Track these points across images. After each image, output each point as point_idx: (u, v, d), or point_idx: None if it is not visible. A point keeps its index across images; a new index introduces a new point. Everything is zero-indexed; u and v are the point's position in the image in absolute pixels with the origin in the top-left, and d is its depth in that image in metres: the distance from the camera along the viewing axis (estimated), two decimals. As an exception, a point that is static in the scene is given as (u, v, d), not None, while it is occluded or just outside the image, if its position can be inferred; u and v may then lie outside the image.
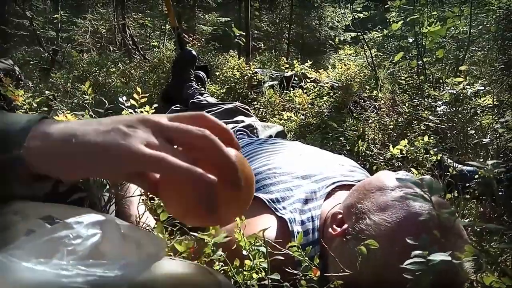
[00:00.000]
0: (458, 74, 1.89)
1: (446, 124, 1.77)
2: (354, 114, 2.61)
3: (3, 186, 0.52)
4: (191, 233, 0.86)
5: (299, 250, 0.78)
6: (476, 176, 1.34)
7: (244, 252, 0.78)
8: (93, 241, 0.42)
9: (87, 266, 0.40)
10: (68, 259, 0.39)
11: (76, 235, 0.41)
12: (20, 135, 0.49)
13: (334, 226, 0.89)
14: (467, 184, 1.35)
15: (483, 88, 1.93)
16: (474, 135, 1.64)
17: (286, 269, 0.78)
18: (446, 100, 1.78)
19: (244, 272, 0.78)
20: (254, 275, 0.77)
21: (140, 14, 6.65)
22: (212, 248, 0.79)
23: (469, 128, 1.67)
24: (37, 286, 0.38)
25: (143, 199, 0.96)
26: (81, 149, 0.48)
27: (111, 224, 0.45)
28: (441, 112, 1.76)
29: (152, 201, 1.05)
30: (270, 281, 0.77)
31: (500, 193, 1.14)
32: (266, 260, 0.79)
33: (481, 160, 1.45)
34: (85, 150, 0.48)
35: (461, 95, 1.70)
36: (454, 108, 1.71)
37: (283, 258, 0.80)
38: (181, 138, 0.52)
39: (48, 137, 0.49)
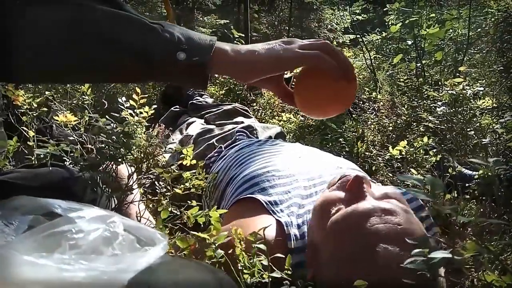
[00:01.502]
0: (457, 74, 1.89)
1: (445, 125, 1.77)
2: (353, 116, 2.61)
3: (182, 82, 0.75)
4: (191, 232, 0.86)
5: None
6: (476, 176, 1.34)
7: (238, 251, 0.78)
8: (95, 235, 0.42)
9: (89, 261, 0.40)
10: (70, 253, 0.39)
11: (78, 229, 0.41)
12: (209, 46, 0.71)
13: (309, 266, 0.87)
14: (466, 185, 1.35)
15: (482, 88, 1.93)
16: (474, 135, 1.64)
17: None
18: (446, 101, 1.79)
19: (245, 271, 0.78)
20: (256, 273, 0.78)
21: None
22: (213, 248, 0.79)
23: (468, 129, 1.68)
24: (38, 280, 0.38)
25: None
26: (261, 57, 0.74)
27: (113, 219, 0.45)
28: (441, 113, 1.77)
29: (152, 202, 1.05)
30: (270, 279, 0.77)
31: (500, 194, 1.14)
32: (265, 258, 0.79)
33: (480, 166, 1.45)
34: (265, 59, 0.74)
35: (461, 95, 1.71)
36: (453, 109, 1.71)
37: (282, 256, 0.80)
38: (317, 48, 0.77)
39: (233, 50, 0.74)
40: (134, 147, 0.99)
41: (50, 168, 0.93)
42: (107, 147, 0.93)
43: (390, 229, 0.75)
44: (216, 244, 0.79)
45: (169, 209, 0.92)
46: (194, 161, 1.15)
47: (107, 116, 1.10)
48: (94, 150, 1.11)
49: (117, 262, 0.42)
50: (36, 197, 0.55)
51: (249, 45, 0.78)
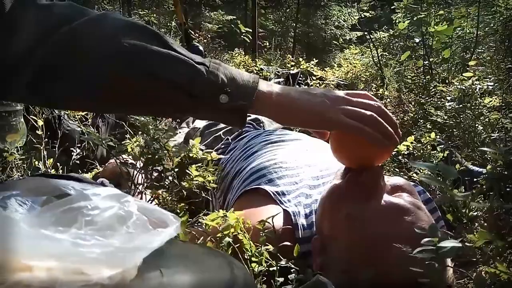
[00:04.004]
0: (467, 69, 1.88)
1: (453, 120, 1.77)
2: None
3: (222, 121, 0.82)
4: (200, 220, 0.86)
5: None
6: (484, 172, 1.34)
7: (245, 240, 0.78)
8: (110, 213, 0.42)
9: (105, 237, 0.40)
10: (86, 229, 0.40)
11: (94, 206, 0.41)
12: (252, 89, 0.72)
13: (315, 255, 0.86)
14: (474, 180, 1.34)
15: (492, 84, 1.92)
16: (483, 131, 1.64)
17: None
18: (454, 96, 1.78)
19: (253, 259, 0.78)
20: (263, 262, 0.78)
21: (147, 11, 6.67)
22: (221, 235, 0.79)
23: (477, 124, 1.67)
24: (55, 253, 0.38)
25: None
26: (304, 110, 0.75)
27: (127, 199, 0.46)
28: (449, 108, 1.76)
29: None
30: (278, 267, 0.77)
31: (508, 189, 1.14)
32: (273, 247, 0.80)
33: (490, 157, 1.45)
34: (307, 113, 0.75)
35: (470, 90, 1.70)
36: (462, 104, 1.70)
37: (289, 244, 0.81)
38: (363, 107, 0.76)
39: (276, 94, 0.74)
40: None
41: None
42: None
43: (405, 227, 0.75)
44: (225, 233, 0.79)
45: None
46: (200, 153, 1.15)
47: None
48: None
49: (132, 239, 0.42)
50: (49, 178, 0.55)
51: (294, 89, 0.79)
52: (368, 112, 0.76)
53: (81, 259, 0.39)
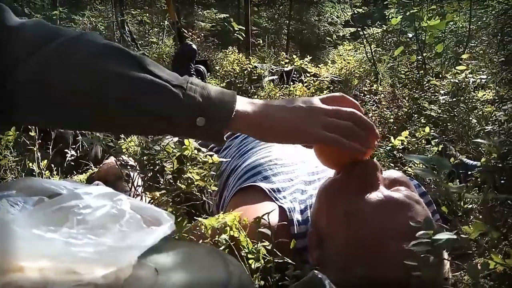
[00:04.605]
0: (460, 63, 1.89)
1: (447, 114, 1.77)
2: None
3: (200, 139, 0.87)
4: (195, 217, 0.86)
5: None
6: (479, 164, 1.35)
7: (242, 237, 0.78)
8: (102, 212, 0.42)
9: (97, 236, 0.40)
10: (78, 228, 0.39)
11: (86, 205, 0.41)
12: (229, 111, 0.71)
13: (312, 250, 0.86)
14: (469, 173, 1.35)
15: (485, 77, 1.93)
16: (476, 124, 1.64)
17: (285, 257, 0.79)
18: (448, 90, 1.78)
19: (249, 255, 0.78)
20: (261, 259, 0.78)
21: (139, 11, 6.64)
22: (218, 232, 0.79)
23: (471, 118, 1.67)
24: (46, 253, 0.38)
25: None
26: (283, 126, 0.75)
27: (120, 197, 0.45)
28: (443, 102, 1.76)
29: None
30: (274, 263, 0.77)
31: (502, 181, 1.15)
32: (269, 244, 0.79)
33: (484, 149, 1.46)
34: (287, 129, 0.75)
35: (463, 84, 1.70)
36: (455, 98, 1.71)
37: (285, 240, 0.81)
38: (338, 116, 0.77)
39: (255, 112, 0.74)
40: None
41: None
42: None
43: (403, 222, 0.75)
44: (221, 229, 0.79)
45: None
46: (195, 152, 1.14)
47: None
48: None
49: (125, 238, 0.42)
50: (41, 179, 0.55)
51: (272, 105, 0.78)
52: (344, 122, 0.77)
53: (73, 259, 0.38)
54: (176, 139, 1.74)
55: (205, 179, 1.04)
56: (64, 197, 0.42)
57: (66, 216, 0.40)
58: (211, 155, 1.09)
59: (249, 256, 0.78)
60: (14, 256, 0.37)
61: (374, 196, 0.79)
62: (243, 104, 0.75)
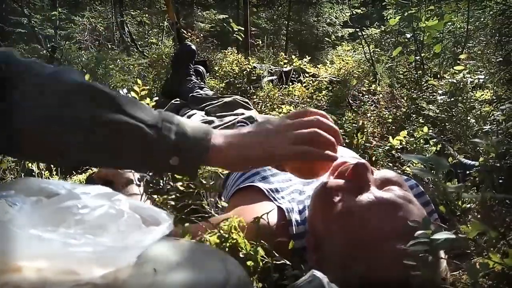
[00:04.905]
0: (458, 63, 1.89)
1: (445, 114, 1.77)
2: (353, 108, 2.62)
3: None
4: (191, 218, 0.86)
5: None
6: (477, 164, 1.35)
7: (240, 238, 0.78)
8: (100, 212, 0.42)
9: (95, 236, 0.40)
10: (76, 228, 0.39)
11: (84, 205, 0.41)
12: (203, 149, 0.72)
13: (310, 251, 0.87)
14: (467, 172, 1.35)
15: (483, 77, 1.93)
16: (475, 124, 1.64)
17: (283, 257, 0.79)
18: (446, 90, 1.78)
19: (248, 256, 0.78)
20: (259, 260, 0.78)
21: (138, 11, 6.64)
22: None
23: (468, 117, 1.68)
24: (44, 253, 0.38)
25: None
26: (254, 153, 0.75)
27: (118, 197, 0.45)
28: (441, 102, 1.76)
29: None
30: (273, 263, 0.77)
31: (500, 181, 1.15)
32: (268, 244, 0.79)
33: (482, 149, 1.46)
34: (257, 156, 0.75)
35: (461, 84, 1.70)
36: (453, 98, 1.71)
37: (284, 240, 0.81)
38: (303, 127, 0.77)
39: (227, 146, 0.74)
40: None
41: None
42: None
43: (395, 222, 0.75)
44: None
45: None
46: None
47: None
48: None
49: (123, 238, 0.42)
50: (40, 179, 0.55)
51: (243, 133, 0.78)
52: (307, 130, 0.77)
53: (71, 259, 0.38)
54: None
55: (206, 181, 1.03)
56: (62, 197, 0.42)
57: (64, 216, 0.40)
58: None
59: (248, 256, 0.78)
60: (13, 256, 0.37)
61: (365, 197, 0.79)
62: (217, 137, 0.75)
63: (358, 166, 0.85)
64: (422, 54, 3.40)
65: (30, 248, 0.38)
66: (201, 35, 4.76)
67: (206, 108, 2.08)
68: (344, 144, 2.03)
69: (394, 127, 2.24)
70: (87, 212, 0.41)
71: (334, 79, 3.21)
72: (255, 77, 3.30)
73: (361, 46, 3.84)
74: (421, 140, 1.63)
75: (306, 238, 0.88)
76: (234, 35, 4.60)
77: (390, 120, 2.30)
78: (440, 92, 1.91)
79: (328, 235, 0.82)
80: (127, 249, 0.42)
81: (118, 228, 0.43)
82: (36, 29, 5.00)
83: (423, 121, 2.06)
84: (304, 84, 3.03)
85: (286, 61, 3.58)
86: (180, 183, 1.02)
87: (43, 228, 0.39)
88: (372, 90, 2.98)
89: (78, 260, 0.38)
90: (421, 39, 3.48)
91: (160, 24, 6.49)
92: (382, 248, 0.73)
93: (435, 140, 1.62)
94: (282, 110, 2.53)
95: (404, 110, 2.36)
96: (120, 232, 0.42)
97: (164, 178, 1.18)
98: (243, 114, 1.89)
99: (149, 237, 0.46)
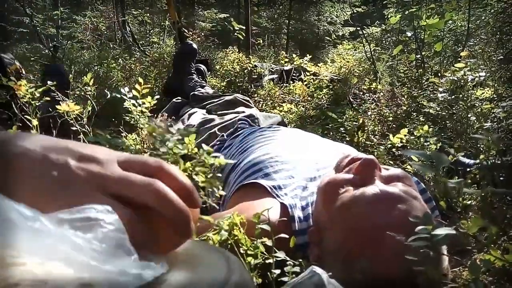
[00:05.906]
0: (458, 61, 1.89)
1: (446, 112, 1.78)
2: (354, 106, 2.62)
3: None
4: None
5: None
6: (477, 161, 1.35)
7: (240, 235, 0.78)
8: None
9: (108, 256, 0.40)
10: (99, 243, 0.39)
11: (110, 221, 0.41)
12: None
13: (312, 246, 0.87)
14: (467, 170, 1.36)
15: (483, 75, 1.93)
16: (475, 121, 1.65)
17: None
18: (447, 88, 1.79)
19: (248, 252, 0.79)
20: (259, 255, 0.78)
21: (140, 11, 6.65)
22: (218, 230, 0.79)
23: (469, 115, 1.68)
24: (50, 248, 0.38)
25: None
26: None
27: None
28: (442, 99, 1.77)
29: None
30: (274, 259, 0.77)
31: (501, 178, 1.15)
32: (269, 240, 0.80)
33: (482, 146, 1.46)
34: None
35: (462, 81, 1.71)
36: (454, 95, 1.71)
37: (286, 236, 0.81)
38: (126, 193, 0.43)
39: None
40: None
41: None
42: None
43: (399, 216, 0.76)
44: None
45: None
46: (196, 150, 1.15)
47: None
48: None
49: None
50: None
51: None
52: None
53: (77, 255, 0.39)
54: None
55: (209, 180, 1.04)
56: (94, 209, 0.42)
57: (91, 226, 0.41)
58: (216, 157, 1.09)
59: (248, 252, 0.78)
60: (16, 251, 0.37)
61: (370, 190, 0.80)
62: None
63: (366, 161, 0.86)
64: (423, 53, 3.41)
65: (36, 242, 0.38)
66: (202, 34, 4.76)
67: (207, 106, 2.09)
68: (345, 143, 2.04)
69: (394, 125, 2.25)
70: (111, 229, 0.42)
71: (335, 77, 3.22)
72: (256, 76, 3.31)
73: (362, 44, 3.85)
74: (422, 138, 1.63)
75: (310, 231, 0.89)
76: (235, 34, 4.61)
77: (390, 118, 2.31)
78: (440, 90, 1.91)
79: (331, 227, 0.83)
80: (130, 245, 0.42)
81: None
82: (38, 28, 5.02)
83: (423, 119, 2.06)
84: (305, 83, 3.04)
85: (287, 59, 3.59)
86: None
87: (50, 223, 0.39)
88: (372, 89, 2.98)
89: (83, 257, 0.39)
90: (422, 37, 3.49)
91: (162, 23, 6.50)
92: (385, 243, 0.73)
93: (435, 138, 1.63)
94: (283, 109, 2.54)
95: (405, 108, 2.37)
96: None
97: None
98: (244, 112, 1.90)
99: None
